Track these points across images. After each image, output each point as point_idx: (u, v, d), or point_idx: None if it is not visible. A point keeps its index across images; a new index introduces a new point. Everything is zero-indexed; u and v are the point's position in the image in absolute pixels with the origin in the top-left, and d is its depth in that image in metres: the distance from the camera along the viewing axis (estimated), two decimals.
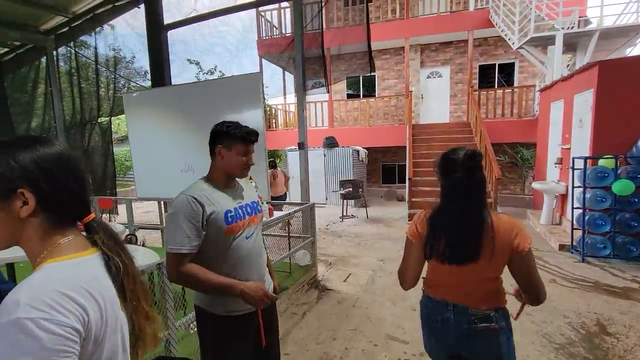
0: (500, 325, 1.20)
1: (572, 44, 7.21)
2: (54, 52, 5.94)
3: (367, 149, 9.05)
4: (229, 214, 1.32)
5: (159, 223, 5.10)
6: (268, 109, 10.13)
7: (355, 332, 2.71)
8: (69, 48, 6.01)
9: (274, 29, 9.83)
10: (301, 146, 4.16)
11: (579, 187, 4.34)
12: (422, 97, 9.92)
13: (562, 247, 4.57)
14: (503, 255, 1.15)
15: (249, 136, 1.36)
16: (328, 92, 4.79)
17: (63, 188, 0.65)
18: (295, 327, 2.79)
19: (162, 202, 5.11)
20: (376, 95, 10.17)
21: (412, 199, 6.80)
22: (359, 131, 9.20)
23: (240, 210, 1.38)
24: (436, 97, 9.84)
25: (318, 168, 8.50)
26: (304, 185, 4.21)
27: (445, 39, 9.34)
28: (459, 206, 1.17)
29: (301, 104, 4.20)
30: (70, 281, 0.59)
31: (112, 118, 6.04)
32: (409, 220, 6.49)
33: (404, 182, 8.70)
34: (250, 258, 1.40)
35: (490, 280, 1.21)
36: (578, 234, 4.34)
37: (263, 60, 9.75)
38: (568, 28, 6.78)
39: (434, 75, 9.84)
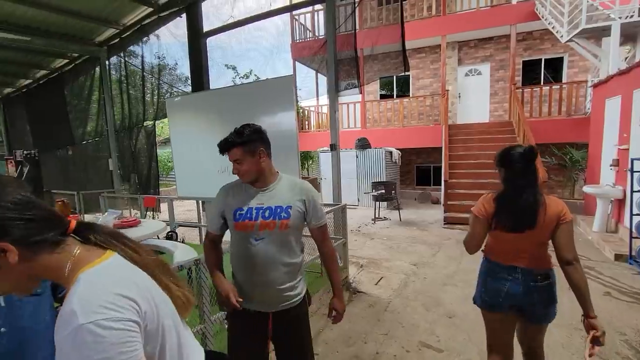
0: (554, 280, 1.58)
1: (631, 35, 6.57)
2: (107, 62, 6.45)
3: (400, 150, 8.86)
4: (238, 212, 1.41)
5: (198, 221, 5.35)
6: (301, 110, 10.26)
7: (386, 337, 2.66)
8: (119, 58, 6.49)
9: (307, 32, 9.95)
10: (333, 147, 4.16)
11: (638, 191, 3.93)
12: (459, 96, 9.54)
13: (618, 257, 4.17)
14: (551, 223, 1.50)
15: (219, 146, 1.42)
16: (361, 93, 4.76)
17: (23, 219, 0.63)
18: (326, 328, 2.79)
19: (200, 202, 5.35)
20: (410, 95, 9.93)
21: (448, 202, 6.54)
22: (392, 132, 9.04)
23: (254, 212, 1.40)
24: (475, 96, 9.42)
25: (350, 169, 8.46)
26: (335, 187, 4.21)
27: (485, 35, 8.92)
28: (521, 188, 1.53)
29: (333, 106, 4.21)
30: (113, 280, 0.64)
31: (156, 122, 6.44)
32: (444, 224, 6.26)
33: (439, 185, 8.40)
34: (254, 261, 1.40)
35: (541, 245, 1.57)
36: (638, 243, 3.94)
37: (296, 62, 9.90)
38: (626, 17, 6.18)
39: (473, 73, 9.43)
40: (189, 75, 5.58)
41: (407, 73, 8.69)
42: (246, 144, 1.38)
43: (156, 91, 6.36)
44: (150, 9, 5.31)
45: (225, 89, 4.54)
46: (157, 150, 6.69)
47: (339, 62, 4.35)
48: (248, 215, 1.40)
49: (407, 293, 3.46)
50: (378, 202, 7.17)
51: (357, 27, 4.77)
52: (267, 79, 3.99)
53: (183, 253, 2.95)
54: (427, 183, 10.08)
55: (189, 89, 6.91)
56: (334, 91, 4.15)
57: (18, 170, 7.79)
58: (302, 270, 1.54)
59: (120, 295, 0.61)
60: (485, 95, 9.31)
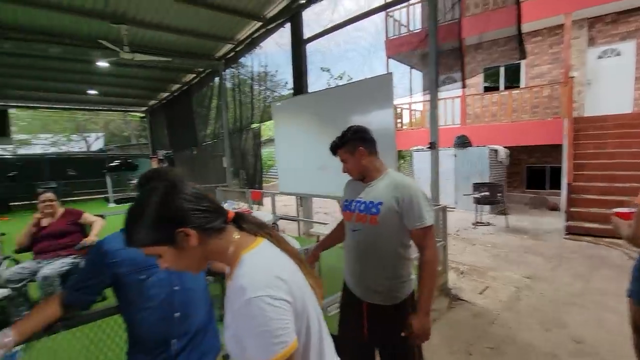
0: None
1: None
2: (223, 74, 7.45)
3: (507, 148, 7.89)
4: (344, 203, 1.61)
5: (296, 215, 5.75)
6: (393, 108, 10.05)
7: (495, 352, 2.43)
8: (232, 69, 7.43)
9: (402, 27, 9.67)
10: (432, 146, 3.98)
11: None
12: (588, 84, 7.98)
13: None
14: None
15: (330, 149, 1.57)
16: (463, 87, 4.40)
17: (200, 210, 0.76)
18: None
19: (299, 198, 5.74)
20: (522, 86, 8.74)
21: (572, 209, 5.56)
22: (498, 128, 8.10)
23: (354, 204, 1.54)
24: (611, 82, 7.73)
25: (447, 169, 7.91)
26: (433, 187, 4.01)
27: (627, 6, 7.24)
28: None
29: (433, 102, 4.03)
30: (271, 264, 0.74)
31: (260, 124, 7.16)
32: (566, 235, 5.34)
33: (558, 188, 7.20)
34: (351, 249, 1.55)
35: None
36: None
37: (390, 60, 9.72)
38: None
39: (609, 54, 7.76)
40: (288, 80, 6.06)
41: (519, 61, 7.69)
42: (346, 145, 1.50)
43: (261, 96, 7.08)
44: (260, 23, 5.93)
45: (323, 91, 4.76)
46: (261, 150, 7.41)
47: (439, 55, 4.13)
48: (349, 207, 1.56)
49: (519, 308, 3.09)
50: (480, 206, 6.54)
51: (461, 15, 4.43)
52: (365, 79, 4.03)
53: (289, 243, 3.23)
54: (540, 186, 8.73)
55: (286, 92, 7.51)
56: (435, 86, 3.96)
57: (159, 166, 9.66)
58: (402, 273, 1.48)
59: (276, 277, 0.70)
60: (628, 80, 7.55)
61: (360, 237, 1.50)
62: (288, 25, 5.75)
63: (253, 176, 7.23)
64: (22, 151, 16.05)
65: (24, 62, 7.05)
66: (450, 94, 8.42)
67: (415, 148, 8.76)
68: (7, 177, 10.18)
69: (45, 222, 3.11)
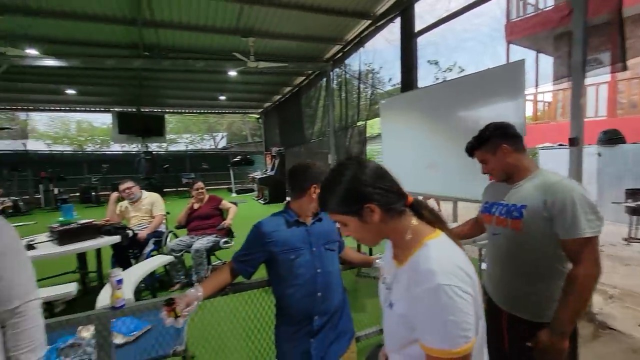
0: None
1: None
2: (330, 74, 7.77)
3: None
4: (484, 204, 1.52)
5: None
6: None
7: None
8: (338, 69, 7.68)
9: (528, 7, 8.37)
10: (574, 142, 3.36)
11: None
12: None
13: None
14: None
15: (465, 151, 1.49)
16: (622, 69, 3.55)
17: (385, 190, 0.79)
18: None
19: None
20: None
21: None
22: None
23: (494, 207, 1.43)
24: None
25: (587, 171, 6.50)
26: None
27: None
28: None
29: (577, 90, 3.38)
30: (458, 257, 0.74)
31: (365, 121, 7.20)
32: None
33: None
34: (491, 253, 1.48)
35: None
36: None
37: (511, 45, 8.55)
38: None
39: None
40: (393, 75, 5.90)
41: None
42: (484, 145, 1.39)
43: (365, 94, 7.12)
44: (369, 21, 5.96)
45: (437, 85, 4.51)
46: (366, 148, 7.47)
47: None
48: (489, 209, 1.47)
49: None
50: (636, 218, 5.22)
51: None
52: (489, 69, 3.64)
53: None
54: None
55: (388, 88, 7.37)
56: (581, 71, 3.32)
57: (272, 162, 10.75)
58: (553, 289, 1.26)
59: (463, 270, 0.69)
60: None
61: (500, 241, 1.39)
62: (397, 20, 5.62)
63: None
64: (171, 148, 20.03)
65: (176, 76, 8.77)
66: (593, 80, 6.95)
67: (541, 145, 7.53)
68: (163, 169, 12.89)
69: (196, 205, 3.83)
